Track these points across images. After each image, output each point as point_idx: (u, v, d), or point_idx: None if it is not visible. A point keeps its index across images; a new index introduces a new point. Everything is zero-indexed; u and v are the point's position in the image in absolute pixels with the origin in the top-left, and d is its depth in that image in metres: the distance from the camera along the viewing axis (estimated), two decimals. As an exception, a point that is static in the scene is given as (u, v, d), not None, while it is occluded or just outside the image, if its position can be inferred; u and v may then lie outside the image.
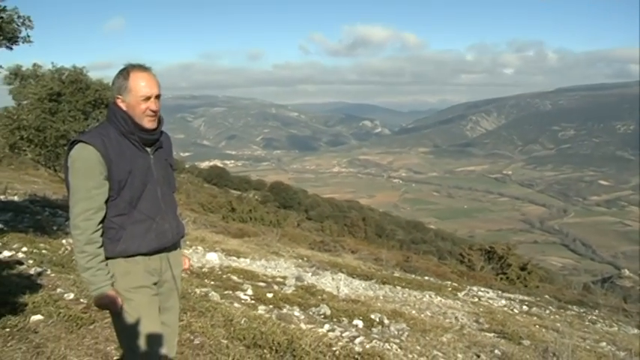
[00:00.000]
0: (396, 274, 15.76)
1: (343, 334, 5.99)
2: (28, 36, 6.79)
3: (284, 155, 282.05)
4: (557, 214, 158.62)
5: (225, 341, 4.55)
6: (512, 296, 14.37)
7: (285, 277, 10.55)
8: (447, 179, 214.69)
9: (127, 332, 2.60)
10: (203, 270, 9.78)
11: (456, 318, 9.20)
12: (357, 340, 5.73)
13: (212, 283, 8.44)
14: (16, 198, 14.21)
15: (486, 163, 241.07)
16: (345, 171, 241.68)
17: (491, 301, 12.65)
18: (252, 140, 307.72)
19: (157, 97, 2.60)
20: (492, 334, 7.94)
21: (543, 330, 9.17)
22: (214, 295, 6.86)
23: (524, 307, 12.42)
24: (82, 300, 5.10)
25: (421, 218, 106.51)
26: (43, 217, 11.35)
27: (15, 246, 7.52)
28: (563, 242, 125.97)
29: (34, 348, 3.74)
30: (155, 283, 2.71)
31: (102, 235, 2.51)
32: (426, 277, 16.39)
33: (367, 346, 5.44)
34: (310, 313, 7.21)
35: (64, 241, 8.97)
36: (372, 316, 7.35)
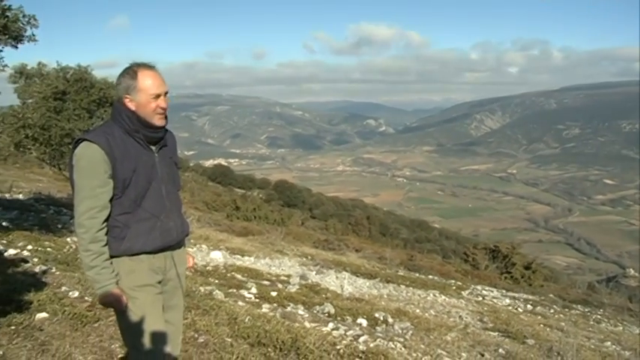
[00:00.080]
0: (400, 273, 15.75)
1: (347, 333, 5.99)
2: (34, 35, 6.82)
3: (288, 154, 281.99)
4: (562, 213, 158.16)
5: (230, 339, 4.55)
6: (516, 295, 14.34)
7: (289, 276, 10.55)
8: (451, 178, 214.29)
9: (131, 330, 2.61)
10: (207, 268, 9.79)
11: (460, 317, 9.19)
12: (361, 339, 5.73)
13: (216, 281, 8.45)
14: (21, 196, 14.25)
15: (491, 161, 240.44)
16: (350, 170, 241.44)
17: (495, 300, 12.63)
18: (257, 139, 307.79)
19: (166, 94, 2.61)
20: (496, 333, 7.93)
21: (548, 329, 9.14)
22: (218, 294, 6.87)
23: (529, 306, 12.39)
24: (86, 298, 5.12)
25: (425, 217, 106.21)
26: (48, 216, 11.39)
27: (20, 244, 7.55)
28: (568, 241, 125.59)
29: (39, 345, 3.75)
30: (159, 282, 2.71)
31: (106, 234, 2.52)
32: (430, 276, 16.38)
33: (371, 345, 5.44)
34: (314, 311, 7.21)
35: (68, 239, 9.00)
36: (376, 315, 7.35)
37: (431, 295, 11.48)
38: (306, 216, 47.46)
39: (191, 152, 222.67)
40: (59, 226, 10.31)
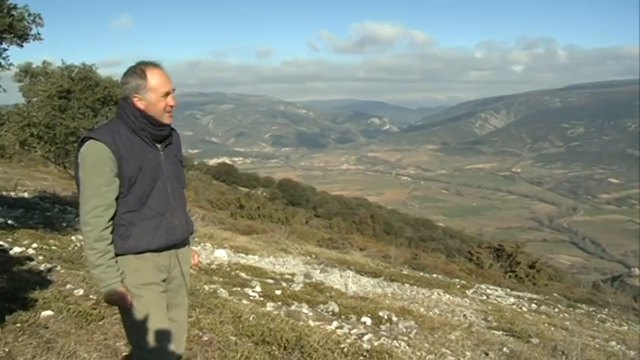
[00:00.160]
0: (405, 272, 15.75)
1: (351, 332, 5.99)
2: (39, 33, 6.84)
3: (292, 152, 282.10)
4: (567, 212, 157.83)
5: (234, 338, 4.56)
6: (520, 294, 14.32)
7: (293, 274, 10.56)
8: (455, 177, 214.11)
9: (135, 329, 2.61)
10: (211, 267, 9.81)
11: (464, 316, 9.18)
12: (366, 338, 5.73)
13: (220, 279, 8.46)
14: (26, 194, 14.30)
15: (495, 160, 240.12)
16: (354, 168, 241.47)
17: (499, 299, 12.62)
18: (261, 137, 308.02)
19: (173, 91, 2.62)
20: (501, 332, 7.92)
21: (552, 328, 9.13)
22: (223, 292, 6.88)
23: (533, 305, 12.38)
24: (91, 296, 5.13)
25: (430, 216, 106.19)
26: (53, 214, 11.43)
27: (25, 242, 7.57)
28: (573, 240, 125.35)
29: (44, 343, 3.76)
30: (164, 280, 2.71)
31: (112, 232, 2.51)
32: (435, 275, 16.38)
33: (375, 344, 5.44)
34: (318, 310, 7.22)
35: (73, 237, 9.02)
36: (381, 314, 7.35)
37: (435, 293, 11.48)
38: (310, 214, 47.45)
39: (195, 151, 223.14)
40: (64, 224, 10.34)
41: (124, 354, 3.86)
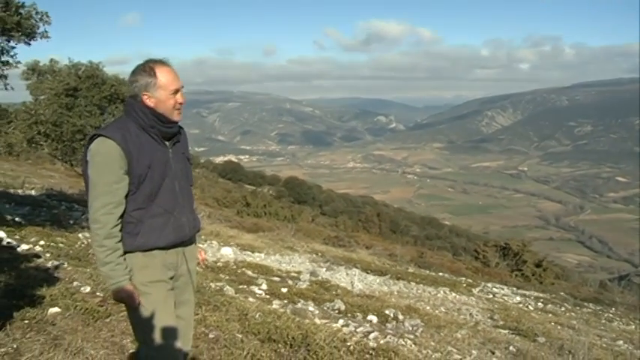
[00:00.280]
0: (411, 270, 15.74)
1: (357, 330, 6.00)
2: (46, 32, 6.88)
3: (298, 150, 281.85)
4: (574, 210, 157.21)
5: (240, 335, 4.56)
6: (527, 293, 14.30)
7: (299, 272, 10.58)
8: (462, 175, 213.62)
9: (142, 326, 2.61)
10: (218, 264, 9.83)
11: (470, 314, 9.17)
12: (372, 336, 5.74)
13: (227, 277, 8.48)
14: (33, 192, 14.37)
15: (502, 159, 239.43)
16: (360, 166, 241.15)
17: (506, 298, 12.60)
18: (267, 135, 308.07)
19: (182, 89, 2.63)
20: (507, 331, 7.91)
21: (559, 327, 9.11)
22: (229, 290, 6.90)
23: (540, 304, 12.35)
24: (98, 293, 5.15)
25: (436, 214, 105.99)
26: (60, 211, 11.48)
27: (32, 239, 7.61)
28: (579, 239, 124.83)
29: (51, 340, 3.78)
30: (171, 277, 2.72)
31: (120, 230, 2.52)
32: (441, 273, 16.37)
33: (381, 342, 5.44)
34: (324, 308, 7.22)
35: (80, 234, 9.07)
36: (387, 312, 7.35)
37: (441, 292, 11.47)
38: (316, 213, 47.49)
39: (202, 149, 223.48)
40: (71, 221, 10.39)
41: (130, 351, 3.87)
